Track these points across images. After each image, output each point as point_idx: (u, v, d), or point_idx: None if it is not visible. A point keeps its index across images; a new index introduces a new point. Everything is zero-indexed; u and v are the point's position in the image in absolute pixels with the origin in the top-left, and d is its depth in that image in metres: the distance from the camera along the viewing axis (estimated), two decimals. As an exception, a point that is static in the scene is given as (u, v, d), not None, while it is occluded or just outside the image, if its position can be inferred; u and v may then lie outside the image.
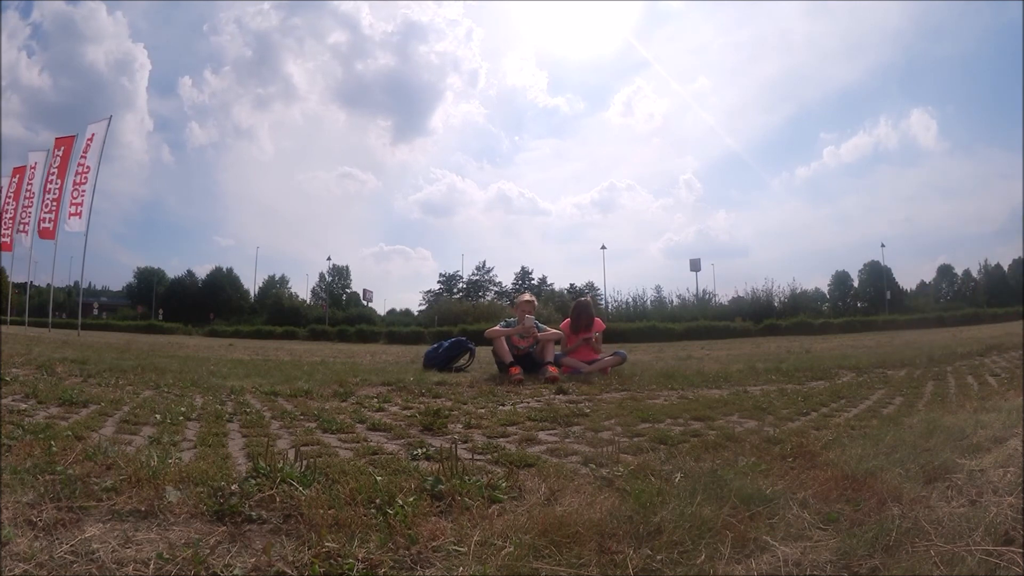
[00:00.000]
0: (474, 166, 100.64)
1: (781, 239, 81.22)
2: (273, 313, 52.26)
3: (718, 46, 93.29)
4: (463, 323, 35.33)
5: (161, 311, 61.49)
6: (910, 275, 74.82)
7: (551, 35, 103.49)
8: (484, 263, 68.47)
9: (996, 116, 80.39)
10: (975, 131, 79.65)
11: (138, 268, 72.24)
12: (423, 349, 10.30)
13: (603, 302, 51.39)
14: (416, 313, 58.32)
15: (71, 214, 23.30)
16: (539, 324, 7.88)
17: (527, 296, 8.11)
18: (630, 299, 52.28)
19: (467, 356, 8.51)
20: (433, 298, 62.77)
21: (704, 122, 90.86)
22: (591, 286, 59.37)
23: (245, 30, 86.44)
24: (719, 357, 12.51)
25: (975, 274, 62.02)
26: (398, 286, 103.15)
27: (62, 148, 24.64)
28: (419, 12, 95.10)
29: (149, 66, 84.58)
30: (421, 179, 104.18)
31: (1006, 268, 59.51)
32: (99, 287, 74.07)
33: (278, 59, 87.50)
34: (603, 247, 53.38)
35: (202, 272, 69.65)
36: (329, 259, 66.20)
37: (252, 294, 66.83)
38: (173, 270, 74.43)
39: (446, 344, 8.51)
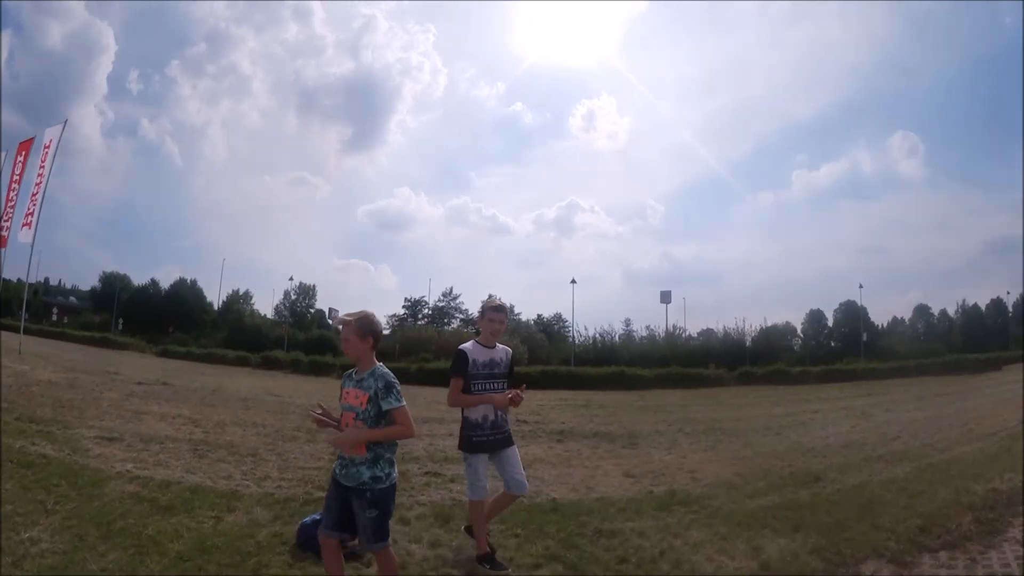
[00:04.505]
0: (430, 179, 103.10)
1: (749, 269, 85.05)
2: (234, 331, 53.62)
3: (681, 73, 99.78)
4: (425, 352, 37.40)
5: (121, 321, 63.16)
6: (881, 309, 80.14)
7: (512, 45, 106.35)
8: (451, 289, 70.05)
9: (964, 152, 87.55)
10: (943, 166, 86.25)
11: (104, 272, 72.40)
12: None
13: (571, 338, 55.00)
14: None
15: (23, 224, 26.36)
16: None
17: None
18: (597, 334, 55.60)
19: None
20: (397, 323, 64.96)
21: (669, 145, 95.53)
22: (559, 318, 62.84)
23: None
24: (689, 459, 11.59)
25: (952, 314, 66.03)
26: (361, 303, 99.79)
27: (23, 153, 27.83)
28: (374, 12, 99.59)
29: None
30: (375, 189, 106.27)
31: (983, 307, 64.41)
32: (69, 285, 76.60)
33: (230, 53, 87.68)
34: (573, 281, 55.49)
35: (168, 279, 70.17)
36: (291, 279, 68.64)
37: (216, 307, 67.95)
38: (140, 275, 75.12)
39: None
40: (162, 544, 5.72)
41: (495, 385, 5.87)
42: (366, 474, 4.32)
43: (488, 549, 5.73)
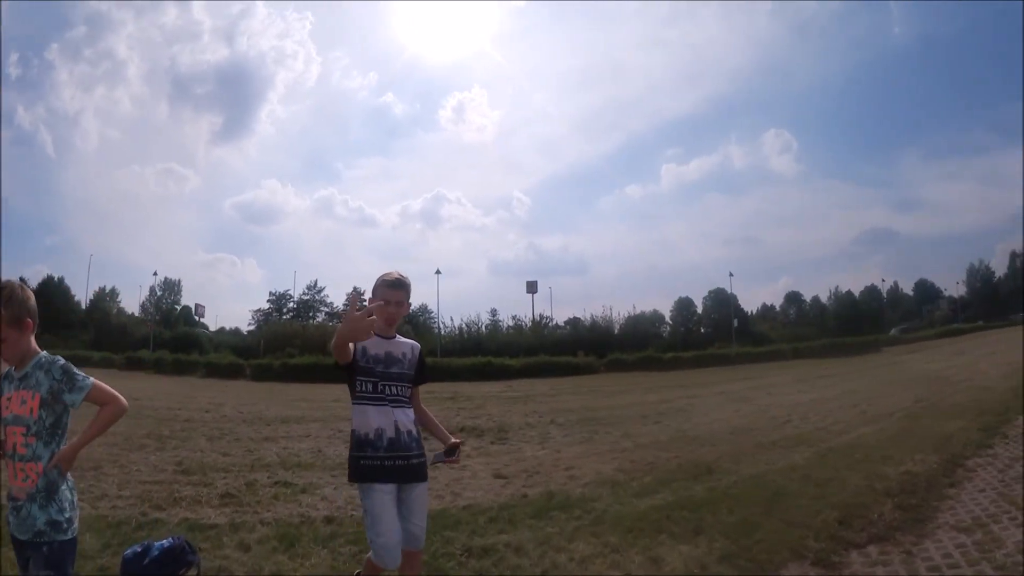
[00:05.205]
0: (298, 170, 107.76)
1: (617, 259, 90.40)
2: (100, 330, 53.23)
3: (558, 67, 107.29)
4: (290, 347, 38.11)
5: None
6: (751, 296, 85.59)
7: (389, 36, 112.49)
8: (316, 282, 71.51)
9: (838, 150, 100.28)
10: (817, 163, 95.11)
11: (-31, 273, 66.90)
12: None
13: (437, 329, 56.68)
14: (246, 332, 62.64)
15: None
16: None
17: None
18: (464, 325, 56.74)
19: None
20: (262, 318, 66.62)
21: (539, 138, 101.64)
22: (425, 309, 63.49)
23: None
24: (564, 454, 10.86)
25: (824, 300, 72.39)
26: (228, 298, 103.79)
27: None
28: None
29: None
30: (243, 181, 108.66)
31: (857, 294, 71.01)
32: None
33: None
34: (438, 271, 57.19)
35: (36, 279, 65.57)
36: (155, 274, 67.17)
37: (83, 305, 64.90)
38: (9, 274, 68.84)
39: (156, 552, 5.54)
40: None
41: (395, 389, 4.13)
42: (40, 519, 3.03)
43: None
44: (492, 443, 12.11)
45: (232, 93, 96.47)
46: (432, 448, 4.16)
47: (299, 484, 8.46)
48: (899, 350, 40.48)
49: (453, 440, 4.23)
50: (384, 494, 3.92)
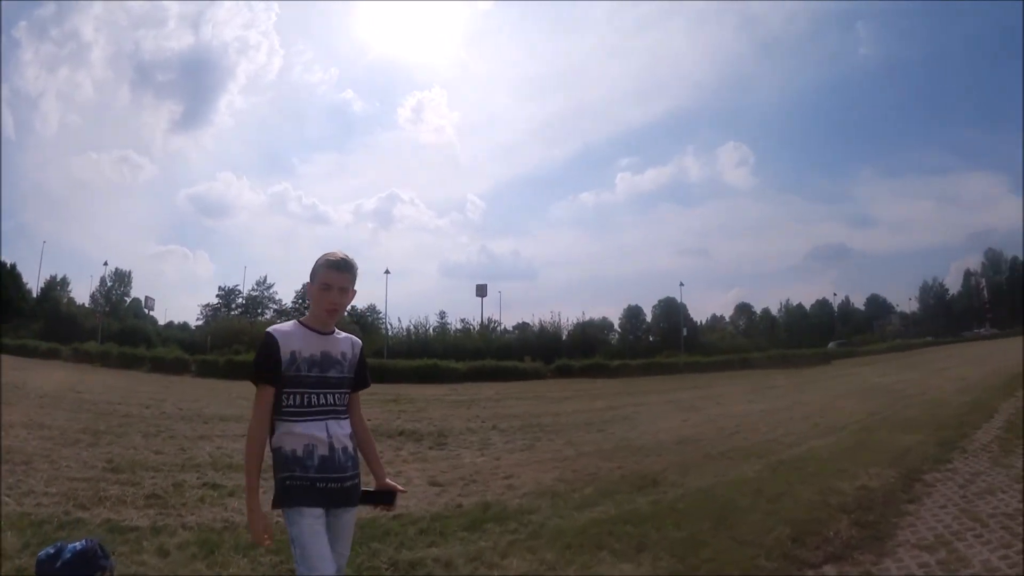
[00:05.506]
0: (253, 164, 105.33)
1: (568, 265, 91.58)
2: (51, 320, 52.80)
3: (520, 71, 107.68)
4: (237, 343, 38.34)
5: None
6: (701, 306, 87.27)
7: (353, 31, 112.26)
8: (265, 278, 71.21)
9: (795, 166, 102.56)
10: (773, 178, 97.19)
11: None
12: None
13: (384, 330, 57.41)
14: (194, 327, 62.18)
15: None
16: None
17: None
18: (411, 326, 57.55)
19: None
20: (211, 313, 66.42)
21: (496, 142, 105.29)
22: (373, 309, 63.84)
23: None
24: (504, 461, 10.53)
25: (775, 312, 75.07)
26: (178, 291, 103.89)
27: None
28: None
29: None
30: (198, 172, 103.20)
31: (807, 308, 74.16)
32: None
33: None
34: (387, 271, 57.95)
35: None
36: (106, 264, 65.98)
37: (35, 294, 64.22)
38: None
39: (68, 555, 5.17)
40: None
41: (331, 398, 3.44)
42: None
43: None
44: (431, 448, 11.77)
45: (194, 82, 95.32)
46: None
47: (228, 486, 8.12)
48: (850, 363, 40.93)
49: (391, 484, 3.59)
50: (314, 520, 3.29)
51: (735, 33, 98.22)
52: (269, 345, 3.32)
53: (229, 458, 9.97)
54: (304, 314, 3.63)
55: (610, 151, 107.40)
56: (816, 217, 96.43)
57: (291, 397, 3.31)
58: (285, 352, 3.30)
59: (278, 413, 3.33)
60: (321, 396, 3.37)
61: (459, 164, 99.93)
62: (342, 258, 3.47)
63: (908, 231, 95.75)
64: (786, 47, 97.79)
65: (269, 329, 3.43)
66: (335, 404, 3.41)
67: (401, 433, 13.27)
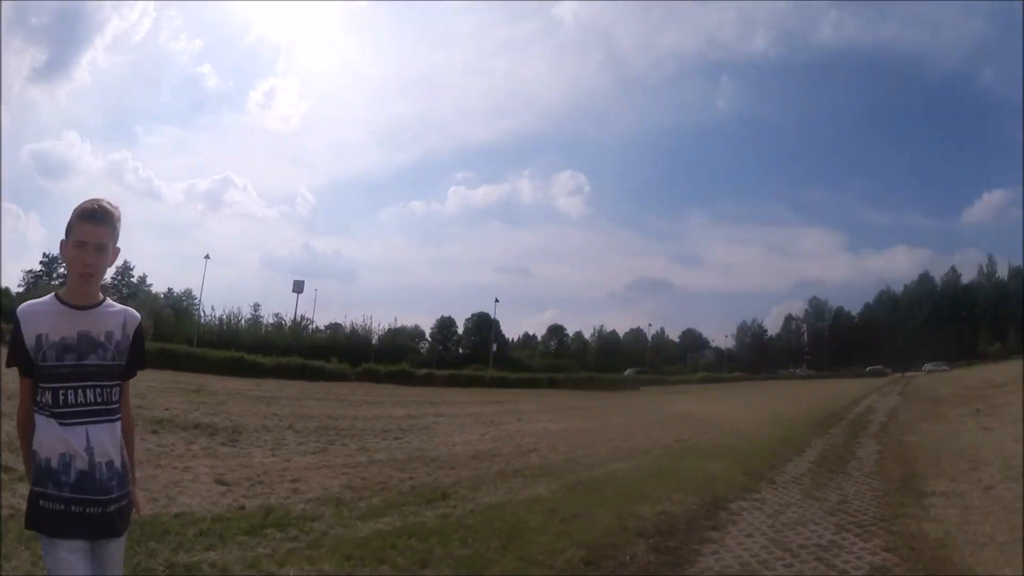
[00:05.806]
0: (99, 126, 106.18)
1: (388, 271, 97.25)
2: None
3: (377, 73, 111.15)
4: None
5: None
6: (515, 324, 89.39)
7: (223, 3, 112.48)
8: None
9: (630, 200, 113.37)
10: (605, 209, 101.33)
11: None
12: None
13: (197, 317, 56.40)
14: (15, 294, 56.59)
15: None
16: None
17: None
18: (224, 315, 57.46)
19: None
20: (32, 280, 63.32)
21: (338, 139, 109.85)
22: (189, 294, 63.28)
23: None
24: (294, 464, 10.14)
25: (587, 337, 78.64)
26: (7, 254, 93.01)
27: None
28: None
29: None
30: (46, 128, 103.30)
31: (621, 335, 78.88)
32: None
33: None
34: (207, 256, 57.48)
35: None
36: None
37: None
38: None
39: None
40: None
41: (91, 395, 2.69)
42: None
43: None
44: (223, 444, 11.27)
45: (65, 30, 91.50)
46: None
47: (19, 471, 6.82)
48: (660, 390, 42.92)
49: (135, 499, 2.91)
50: (72, 554, 2.60)
51: (598, 67, 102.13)
52: (15, 326, 2.64)
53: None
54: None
55: (448, 164, 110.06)
56: (643, 251, 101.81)
57: (44, 394, 2.63)
58: (30, 337, 2.63)
59: (36, 407, 2.68)
60: (79, 392, 2.66)
61: (298, 156, 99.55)
62: (99, 206, 2.69)
63: (733, 274, 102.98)
64: (645, 88, 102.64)
65: (20, 307, 2.71)
66: (98, 402, 2.70)
67: (196, 426, 12.72)
